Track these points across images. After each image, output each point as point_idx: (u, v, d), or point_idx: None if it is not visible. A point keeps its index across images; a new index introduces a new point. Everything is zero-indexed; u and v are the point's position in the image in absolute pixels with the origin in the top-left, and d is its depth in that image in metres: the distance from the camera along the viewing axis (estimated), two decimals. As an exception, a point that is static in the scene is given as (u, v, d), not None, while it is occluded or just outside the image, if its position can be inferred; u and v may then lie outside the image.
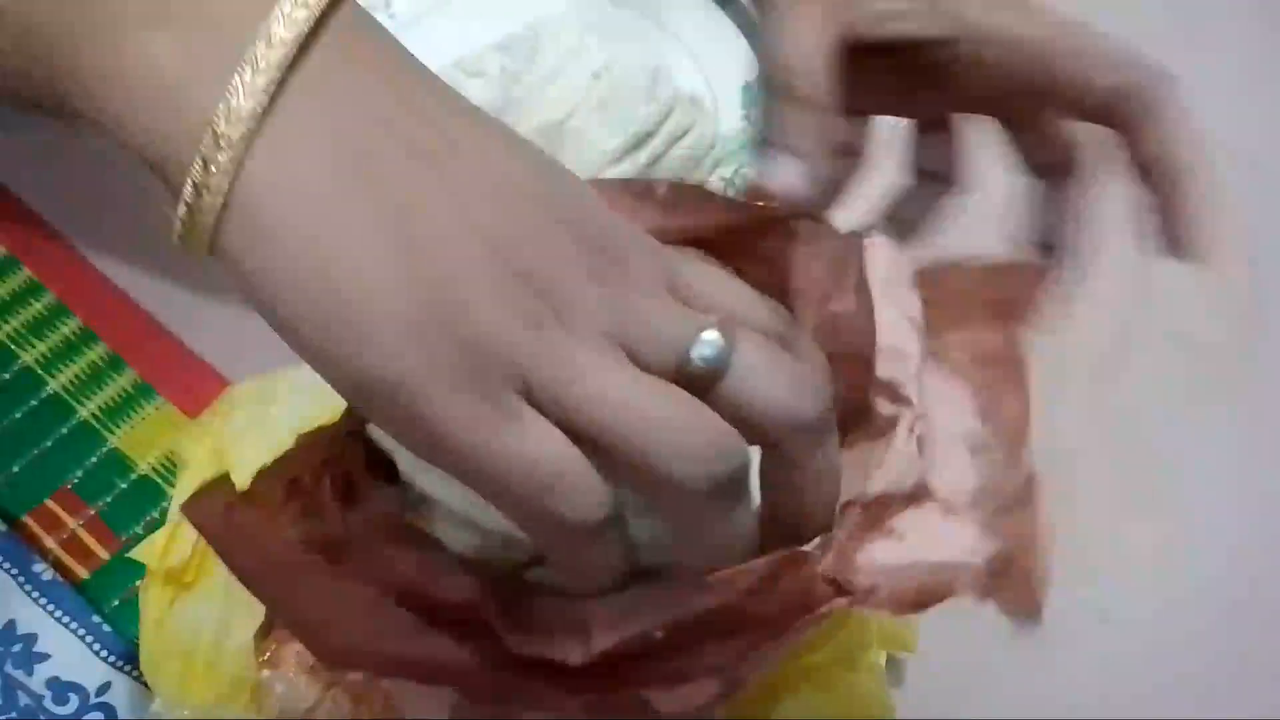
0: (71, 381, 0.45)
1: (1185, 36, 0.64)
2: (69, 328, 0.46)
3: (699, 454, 0.20)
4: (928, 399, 0.28)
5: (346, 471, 0.28)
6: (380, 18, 0.55)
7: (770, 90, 0.30)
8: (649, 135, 0.52)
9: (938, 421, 0.28)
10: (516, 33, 0.55)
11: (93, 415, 0.44)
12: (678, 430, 0.20)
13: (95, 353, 0.46)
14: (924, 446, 0.27)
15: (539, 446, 0.20)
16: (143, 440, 0.44)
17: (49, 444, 0.43)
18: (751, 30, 0.57)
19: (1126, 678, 0.43)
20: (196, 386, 0.45)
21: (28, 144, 0.51)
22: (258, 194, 0.20)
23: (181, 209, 0.21)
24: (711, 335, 0.21)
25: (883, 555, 0.25)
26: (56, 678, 0.39)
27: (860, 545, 0.25)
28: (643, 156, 0.52)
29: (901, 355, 0.28)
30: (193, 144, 0.21)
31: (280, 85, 0.20)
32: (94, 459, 0.43)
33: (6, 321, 0.46)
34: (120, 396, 0.45)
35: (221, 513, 0.27)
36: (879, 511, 0.25)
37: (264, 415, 0.40)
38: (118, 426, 0.44)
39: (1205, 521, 0.47)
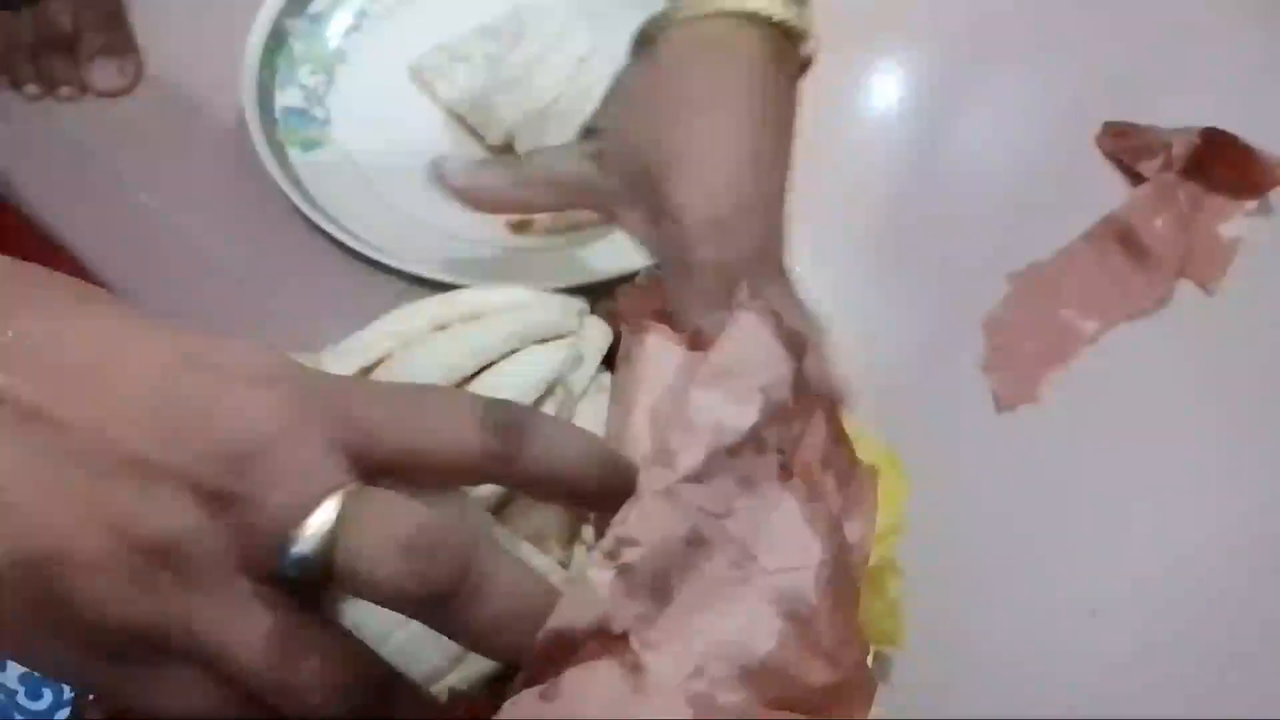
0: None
1: (1184, 36, 0.64)
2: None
3: (315, 702, 0.21)
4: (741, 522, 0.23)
5: None
6: (359, 2, 0.55)
7: None
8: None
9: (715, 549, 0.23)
10: (501, 17, 0.54)
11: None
12: (285, 689, 0.21)
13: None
14: (633, 577, 0.22)
15: (181, 701, 0.21)
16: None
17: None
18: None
19: (1115, 674, 0.42)
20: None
21: (16, 138, 0.50)
22: None
23: None
24: (313, 527, 0.20)
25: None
26: (30, 673, 0.38)
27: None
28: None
29: (669, 461, 0.23)
30: None
31: None
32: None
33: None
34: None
35: None
36: (556, 654, 0.22)
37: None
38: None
39: (1194, 518, 0.46)
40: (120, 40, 0.52)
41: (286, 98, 0.51)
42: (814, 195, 0.54)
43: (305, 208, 0.47)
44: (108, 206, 0.49)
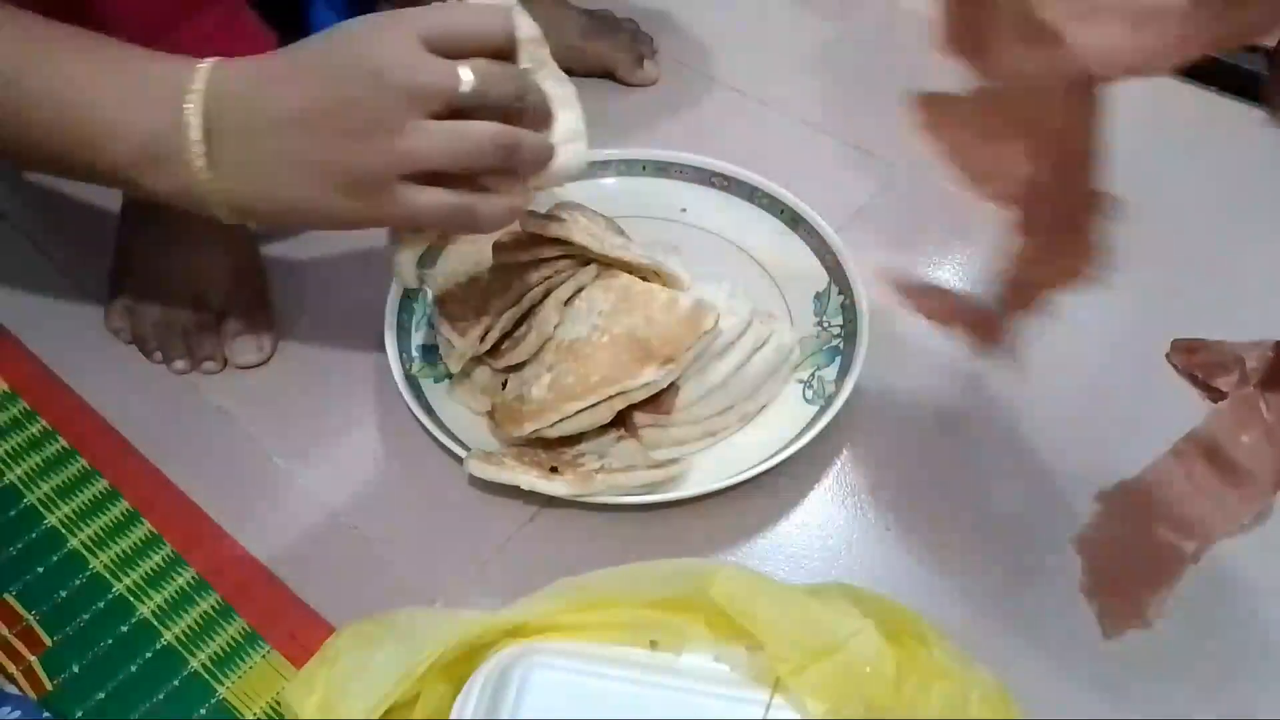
0: (185, 632, 0.47)
1: (1244, 249, 0.65)
2: (183, 578, 0.49)
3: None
4: None
5: None
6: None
7: None
8: (730, 345, 0.54)
9: None
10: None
11: (203, 666, 0.46)
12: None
13: (207, 602, 0.48)
14: None
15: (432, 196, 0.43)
16: (250, 690, 0.45)
17: (160, 697, 0.45)
18: (820, 248, 0.60)
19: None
20: (302, 634, 0.46)
21: (145, 396, 0.55)
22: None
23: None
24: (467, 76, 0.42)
25: None
26: None
27: None
28: (725, 366, 0.54)
29: None
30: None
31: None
32: (204, 710, 0.44)
33: (126, 574, 0.49)
34: (229, 645, 0.46)
35: None
36: None
37: (368, 661, 0.41)
38: (227, 676, 0.45)
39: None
40: (262, 319, 0.58)
41: (420, 337, 0.57)
42: (889, 415, 0.55)
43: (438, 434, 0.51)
44: (244, 469, 0.53)
